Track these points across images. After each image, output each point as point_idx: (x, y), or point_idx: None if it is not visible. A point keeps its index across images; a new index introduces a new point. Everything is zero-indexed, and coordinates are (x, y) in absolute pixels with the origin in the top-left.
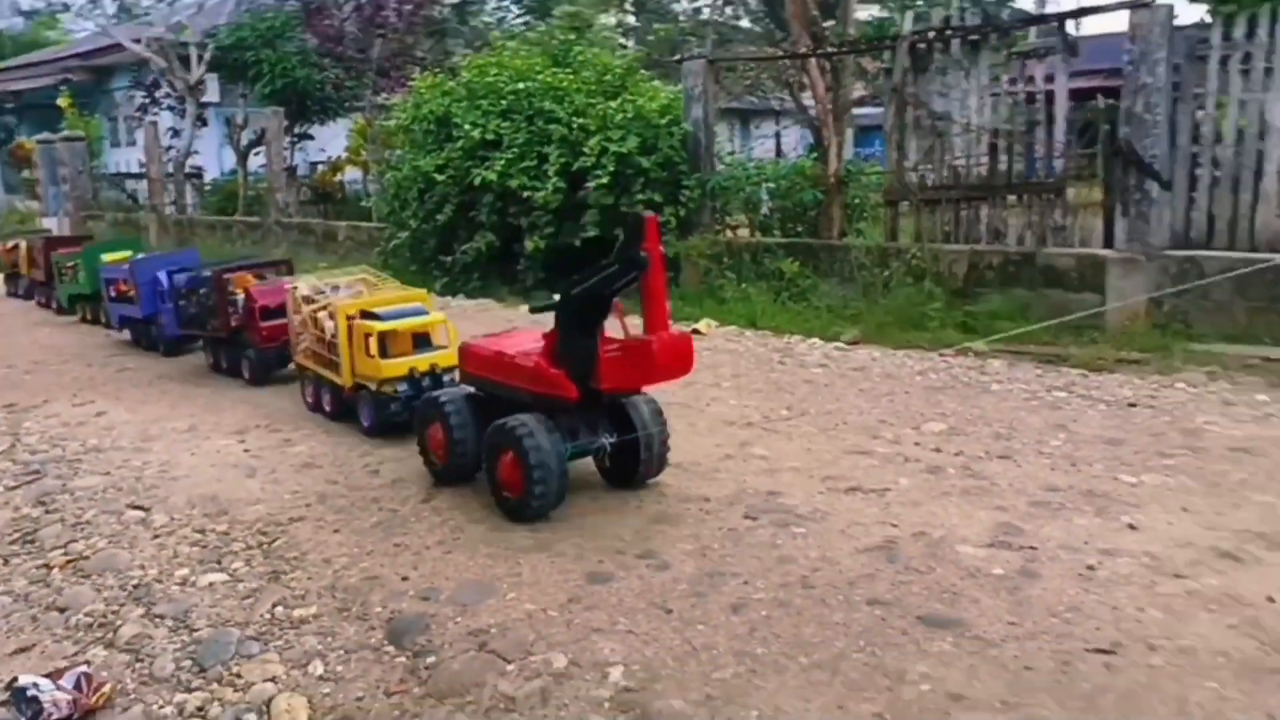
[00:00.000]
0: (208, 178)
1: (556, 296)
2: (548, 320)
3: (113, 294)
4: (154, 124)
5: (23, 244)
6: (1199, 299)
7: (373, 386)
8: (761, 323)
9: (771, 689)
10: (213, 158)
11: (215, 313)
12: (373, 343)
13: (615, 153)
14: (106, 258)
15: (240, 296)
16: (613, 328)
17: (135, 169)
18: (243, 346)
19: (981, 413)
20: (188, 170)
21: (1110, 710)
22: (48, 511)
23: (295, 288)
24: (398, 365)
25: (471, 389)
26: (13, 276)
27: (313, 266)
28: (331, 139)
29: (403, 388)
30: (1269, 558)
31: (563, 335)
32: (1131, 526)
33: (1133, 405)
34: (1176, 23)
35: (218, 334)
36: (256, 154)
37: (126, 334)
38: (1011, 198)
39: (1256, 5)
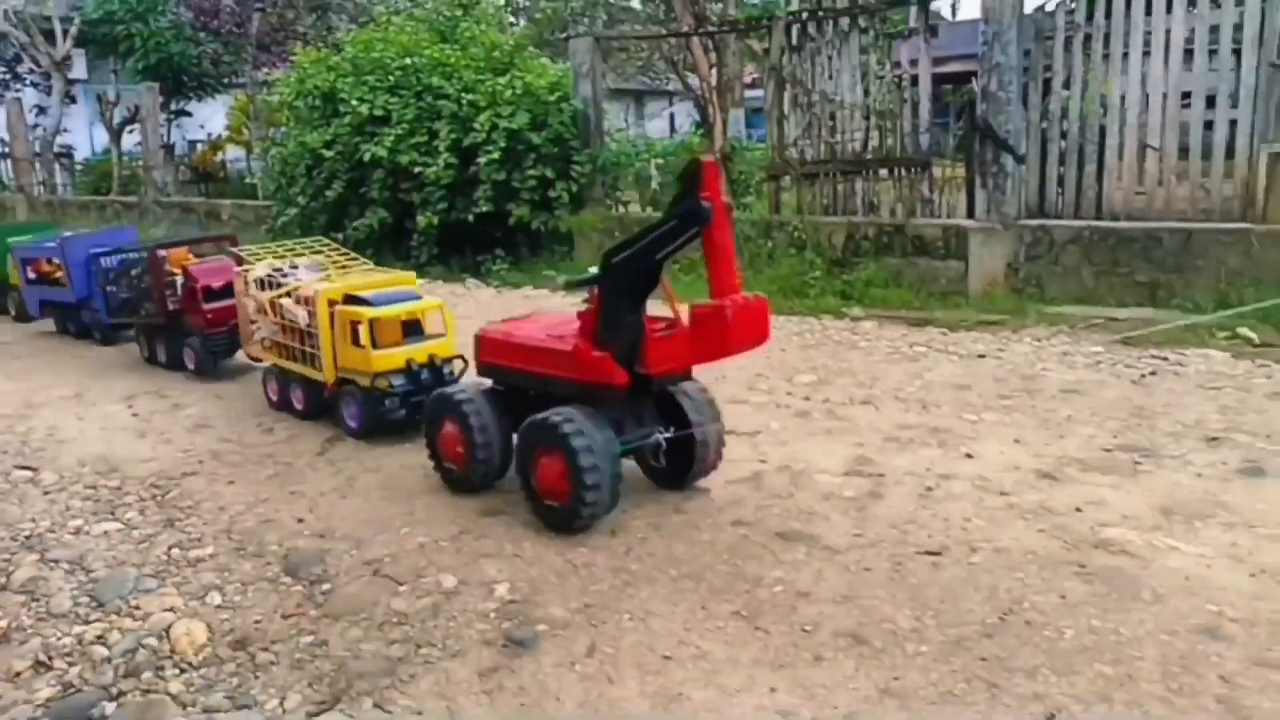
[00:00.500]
0: (78, 157)
1: (593, 270)
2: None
3: (31, 276)
4: (17, 100)
5: None
6: (1050, 264)
7: (363, 382)
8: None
9: (644, 597)
10: (83, 136)
11: (150, 296)
12: (364, 332)
13: (506, 129)
14: (14, 240)
15: (178, 277)
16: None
17: None
18: (184, 333)
19: (849, 366)
20: (57, 149)
21: (934, 598)
22: None
23: (246, 270)
24: (393, 357)
25: (489, 382)
26: None
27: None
28: (211, 116)
29: (399, 382)
30: (1082, 478)
31: (607, 311)
32: (968, 455)
33: (982, 357)
34: (1028, 5)
35: (154, 321)
36: (131, 132)
37: (49, 323)
38: (884, 172)
39: None
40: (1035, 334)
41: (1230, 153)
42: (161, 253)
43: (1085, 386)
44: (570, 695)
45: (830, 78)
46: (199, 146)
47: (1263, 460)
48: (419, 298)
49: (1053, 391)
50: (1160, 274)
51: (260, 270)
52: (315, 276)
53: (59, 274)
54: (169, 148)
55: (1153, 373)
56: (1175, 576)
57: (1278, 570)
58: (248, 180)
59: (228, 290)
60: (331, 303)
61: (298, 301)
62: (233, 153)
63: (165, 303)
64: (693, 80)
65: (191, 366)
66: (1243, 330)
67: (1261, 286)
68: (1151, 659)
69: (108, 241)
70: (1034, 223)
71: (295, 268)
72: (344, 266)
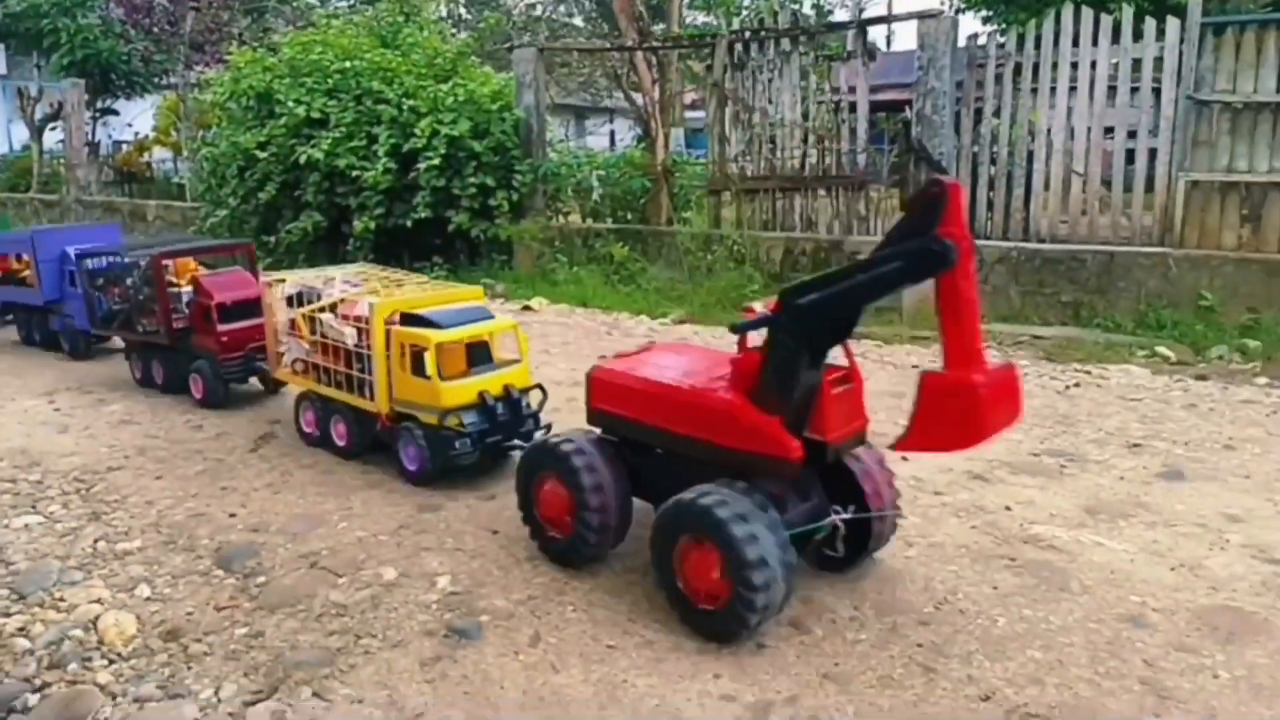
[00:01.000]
0: None
1: (758, 306)
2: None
3: None
4: None
5: None
6: (980, 284)
7: (425, 418)
8: (592, 303)
9: (587, 589)
10: (0, 133)
11: (149, 310)
12: (430, 360)
13: (447, 135)
14: None
15: (185, 290)
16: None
17: None
18: (191, 356)
19: None
20: None
21: (871, 589)
22: None
23: (276, 281)
24: (464, 389)
25: (598, 431)
26: None
27: None
28: (139, 115)
29: (470, 419)
30: (1011, 479)
31: (780, 364)
32: (904, 458)
33: (915, 367)
34: (962, 33)
35: (152, 339)
36: (53, 129)
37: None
38: (821, 191)
39: (1033, 16)
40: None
41: (1150, 180)
42: (165, 261)
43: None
44: (514, 683)
45: (770, 97)
46: (124, 147)
47: (1180, 465)
48: (490, 316)
49: None
50: (1083, 294)
51: (291, 285)
52: (357, 289)
53: (26, 272)
54: (94, 146)
55: (1076, 384)
56: (1101, 570)
57: (1196, 564)
58: (174, 181)
59: (246, 308)
60: (387, 321)
61: (344, 319)
62: (159, 154)
63: (170, 319)
64: (635, 97)
65: (198, 395)
66: (1160, 349)
67: (1179, 308)
68: (1080, 645)
69: (86, 239)
70: None
71: (330, 280)
72: (393, 283)
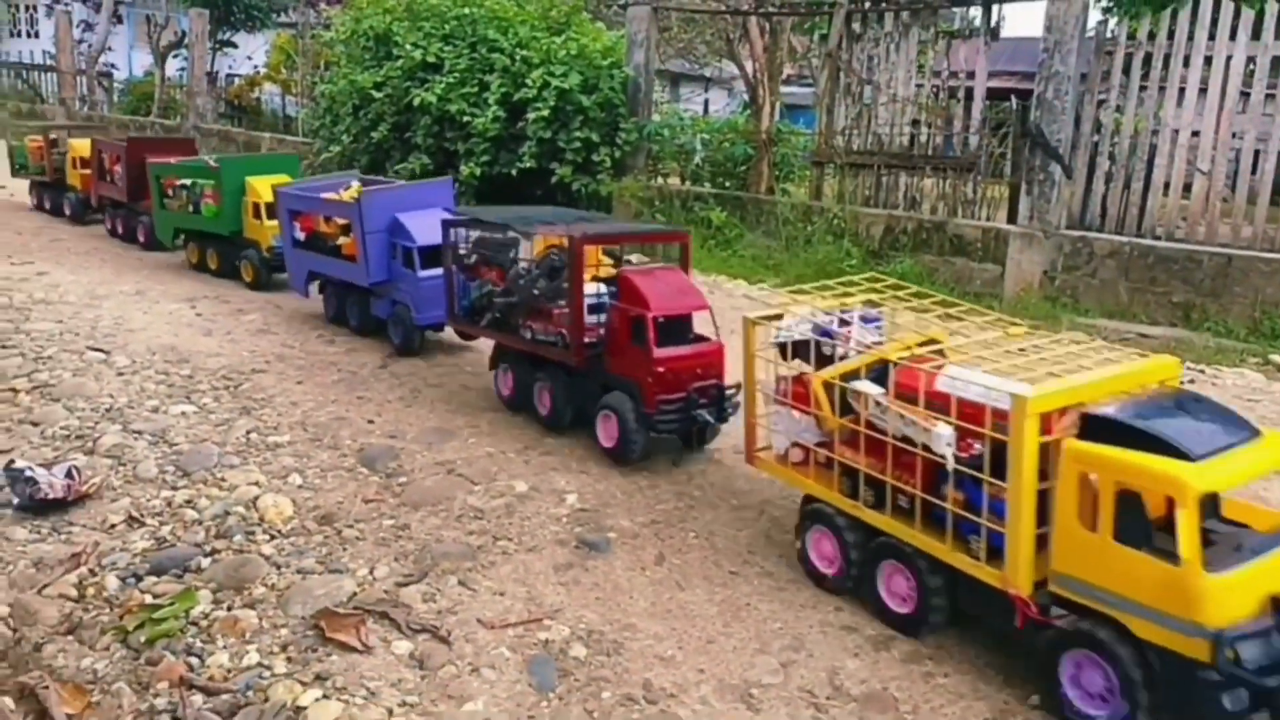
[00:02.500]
0: (118, 77)
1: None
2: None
3: (298, 236)
4: (66, 14)
5: (74, 141)
6: (1087, 276)
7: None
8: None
9: (707, 519)
10: (123, 58)
11: (545, 312)
12: (1183, 524)
13: (557, 88)
14: (256, 181)
15: (601, 290)
16: None
17: (38, 60)
18: (602, 385)
19: None
20: (99, 68)
21: None
22: (3, 347)
23: (760, 320)
24: (1244, 583)
25: None
26: (47, 186)
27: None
28: (256, 50)
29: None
30: None
31: None
32: None
33: (1022, 350)
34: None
35: (542, 351)
36: (175, 56)
37: (306, 297)
38: (928, 170)
39: (1157, 10)
40: (1074, 338)
41: (1278, 184)
42: (586, 242)
43: None
44: (643, 595)
45: (885, 72)
46: (236, 80)
47: None
48: (1251, 428)
49: None
50: (1195, 296)
51: (791, 319)
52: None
53: (341, 240)
54: (213, 76)
55: (1191, 381)
56: None
57: None
58: (280, 117)
59: (683, 327)
60: (1048, 423)
61: (918, 401)
62: (269, 91)
63: (580, 330)
64: (745, 63)
65: (608, 442)
66: (1275, 357)
67: None
68: None
69: (416, 201)
70: (1074, 233)
71: (846, 322)
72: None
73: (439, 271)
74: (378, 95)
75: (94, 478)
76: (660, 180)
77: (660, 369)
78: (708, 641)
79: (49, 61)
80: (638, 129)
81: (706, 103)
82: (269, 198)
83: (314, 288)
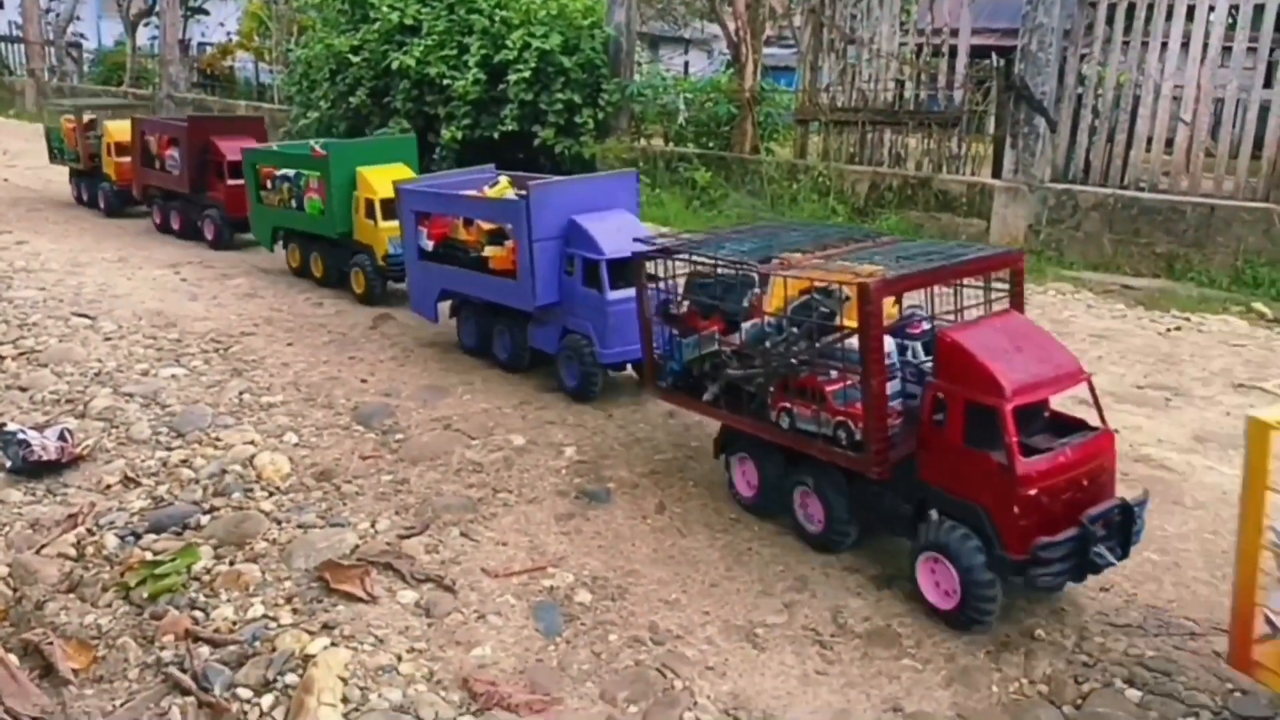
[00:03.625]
0: (88, 47)
1: None
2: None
3: (425, 244)
4: None
5: (111, 124)
6: (1072, 229)
7: None
8: (674, 224)
9: (706, 469)
10: (91, 28)
11: (799, 384)
12: None
13: (538, 49)
14: (369, 172)
15: (892, 351)
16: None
17: (4, 31)
18: (922, 497)
19: None
20: (68, 38)
21: None
22: None
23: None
24: None
25: None
26: (84, 175)
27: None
28: (229, 17)
29: None
30: (1117, 408)
31: None
32: None
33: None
34: None
35: (814, 449)
36: (146, 25)
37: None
38: (912, 126)
39: None
40: (1059, 288)
41: (1260, 132)
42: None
43: (1114, 334)
44: (644, 542)
45: (868, 27)
46: (208, 49)
47: None
48: None
49: (1083, 335)
50: (1179, 247)
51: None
52: None
53: (484, 248)
54: (185, 44)
55: (1178, 328)
56: (1213, 490)
57: None
58: (254, 86)
59: (1040, 412)
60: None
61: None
62: (241, 59)
63: (879, 426)
64: (726, 21)
65: (937, 598)
66: (1257, 305)
67: (1278, 266)
68: (1195, 551)
69: (595, 198)
70: (1059, 186)
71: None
72: None
73: (631, 294)
74: (355, 59)
75: (86, 440)
76: (644, 141)
77: (1030, 489)
78: (711, 585)
79: (15, 32)
80: (620, 89)
81: (686, 64)
82: (385, 193)
83: (443, 305)
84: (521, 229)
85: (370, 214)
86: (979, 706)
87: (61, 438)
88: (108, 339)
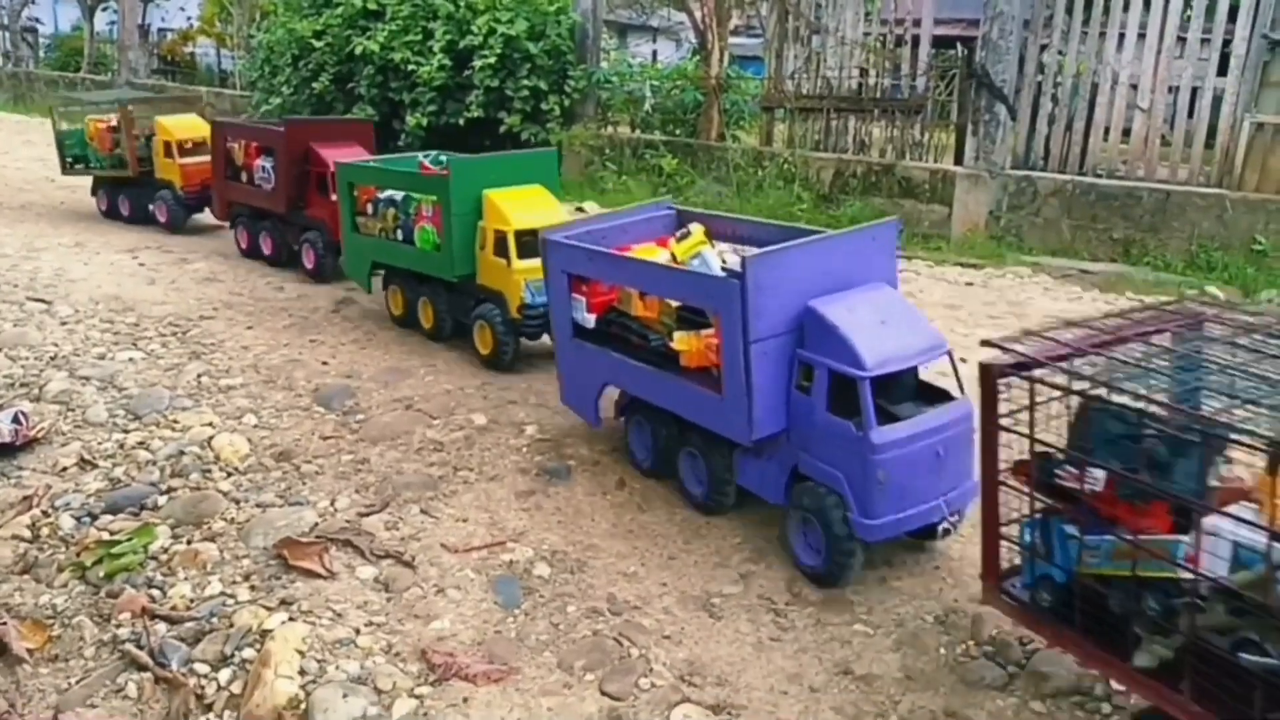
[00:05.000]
0: (44, 32)
1: None
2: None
3: (583, 316)
4: None
5: (165, 120)
6: (1031, 215)
7: None
8: None
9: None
10: (48, 12)
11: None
12: None
13: (504, 35)
14: (500, 197)
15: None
16: None
17: None
18: None
19: None
20: (24, 23)
21: None
22: None
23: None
24: None
25: None
26: (123, 184)
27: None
28: (190, 0)
29: None
30: None
31: None
32: (963, 360)
33: (970, 284)
34: None
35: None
36: (104, 9)
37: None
38: (876, 113)
39: None
40: (1017, 272)
41: (1214, 120)
42: None
43: (1070, 314)
44: (604, 517)
45: (833, 15)
46: (169, 35)
47: None
48: None
49: (1039, 316)
50: (1135, 232)
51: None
52: None
53: (673, 335)
54: (144, 28)
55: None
56: None
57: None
58: (216, 72)
59: None
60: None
61: None
62: (202, 45)
63: None
64: (693, 7)
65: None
66: (1210, 288)
67: (1231, 250)
68: None
69: (847, 268)
70: (1019, 173)
71: None
72: None
73: (911, 429)
74: (318, 44)
75: (42, 423)
76: (610, 129)
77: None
78: (669, 558)
79: None
80: (587, 76)
81: (654, 53)
82: (522, 223)
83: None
84: (734, 321)
85: (501, 251)
86: (927, 668)
87: (16, 420)
88: (64, 323)
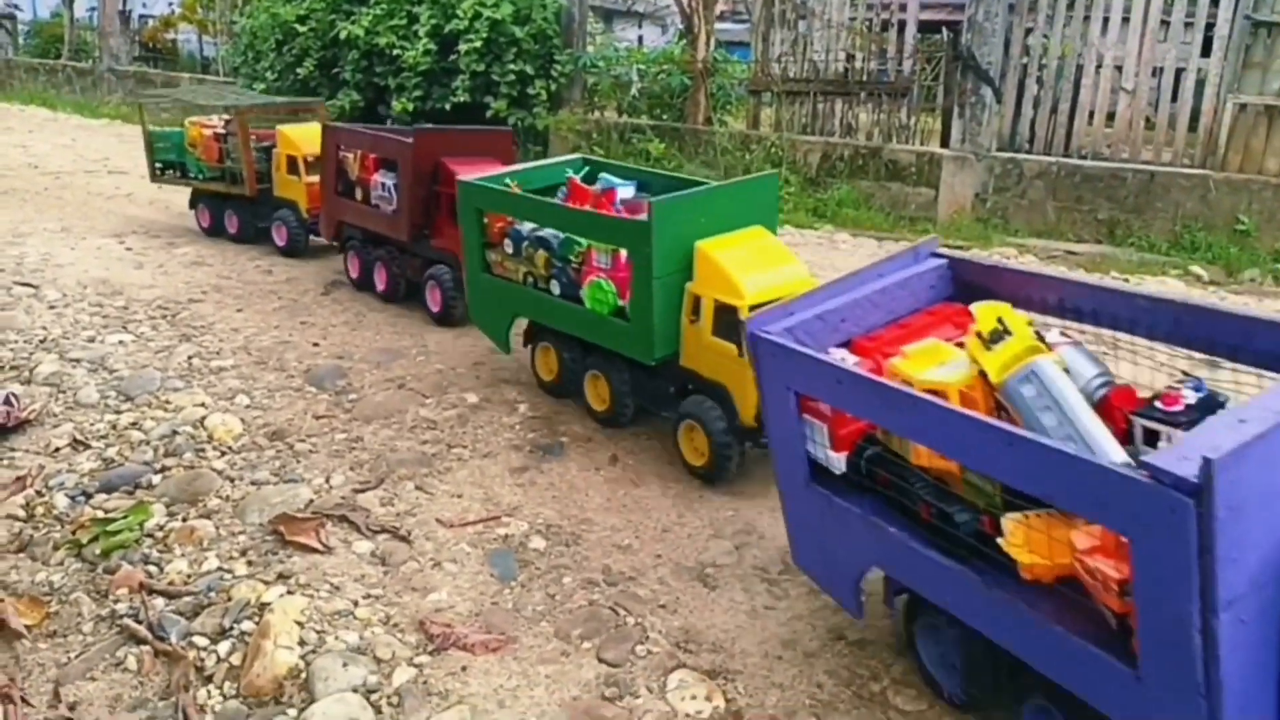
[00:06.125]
0: (22, 19)
1: None
2: None
3: (832, 459)
4: None
5: (288, 129)
6: (1017, 197)
7: None
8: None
9: (658, 424)
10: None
11: None
12: None
13: (489, 19)
14: (718, 249)
15: None
16: None
17: None
18: None
19: (833, 263)
20: (2, 9)
21: None
22: None
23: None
24: None
25: None
26: (232, 201)
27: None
28: None
29: None
30: None
31: None
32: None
33: None
34: None
35: None
36: None
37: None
38: (863, 96)
39: None
40: (1003, 253)
41: (1197, 102)
42: None
43: None
44: (598, 492)
45: None
46: (149, 22)
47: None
48: None
49: None
50: (1120, 213)
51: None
52: None
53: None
54: (125, 15)
55: None
56: None
57: None
58: (198, 60)
59: None
60: None
61: None
62: (184, 32)
63: None
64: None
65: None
66: (1194, 268)
67: (1214, 230)
68: None
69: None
70: (1005, 155)
71: None
72: None
73: None
74: (301, 29)
75: (33, 404)
76: (597, 113)
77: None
78: (663, 530)
79: None
80: (573, 60)
81: (640, 38)
82: (758, 294)
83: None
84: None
85: (727, 331)
86: None
87: (7, 401)
88: (52, 307)
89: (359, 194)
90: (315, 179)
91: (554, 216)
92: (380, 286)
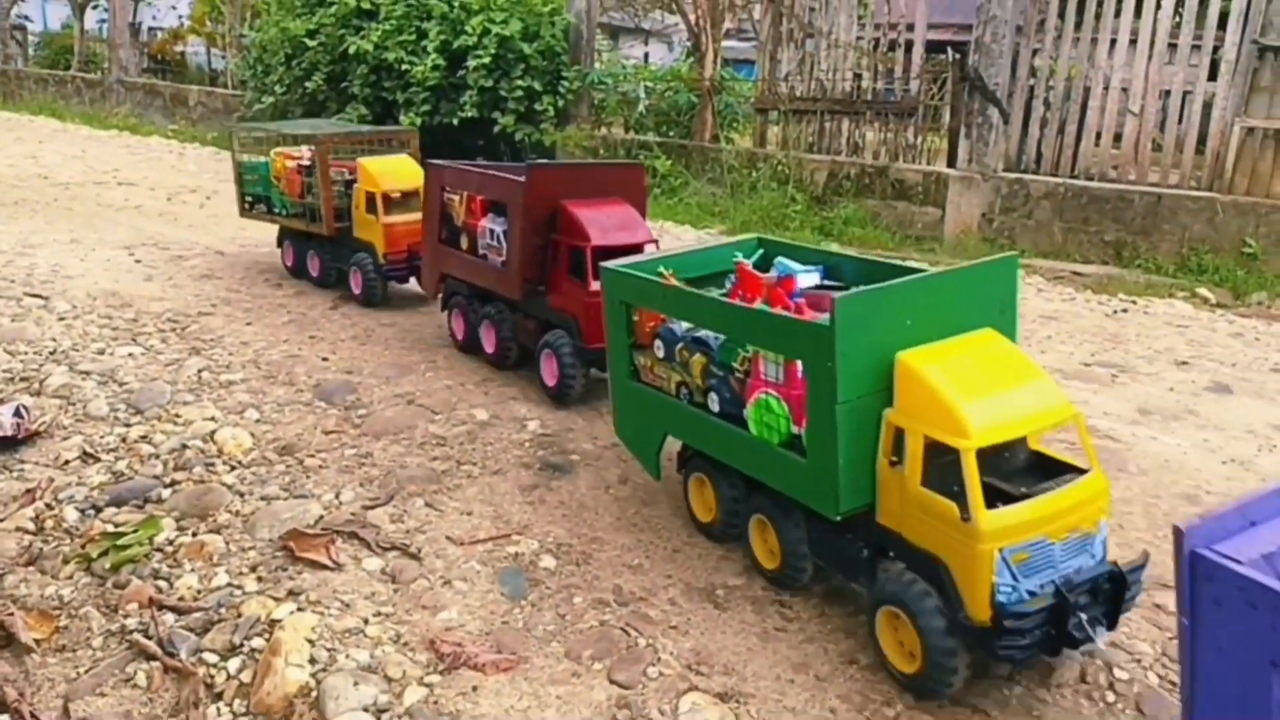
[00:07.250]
0: (33, 30)
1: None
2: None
3: None
4: None
5: (369, 162)
6: (1024, 218)
7: None
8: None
9: (669, 442)
10: (37, 9)
11: None
12: None
13: (498, 35)
14: (925, 363)
15: None
16: None
17: None
18: None
19: None
20: (13, 21)
21: None
22: None
23: None
24: None
25: None
26: (315, 241)
27: (159, 130)
28: None
29: None
30: (1064, 384)
31: None
32: None
33: None
34: None
35: None
36: (94, 7)
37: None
38: (870, 116)
39: None
40: None
41: (1204, 124)
42: None
43: (1062, 315)
44: (608, 511)
45: (826, 18)
46: (159, 34)
47: (1228, 382)
48: None
49: (1033, 316)
50: (1127, 235)
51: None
52: None
53: None
54: (135, 27)
55: (1124, 310)
56: (1156, 458)
57: (1246, 461)
58: (207, 71)
59: None
60: None
61: None
62: (193, 44)
63: None
64: (686, 9)
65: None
66: (1201, 290)
67: (1221, 253)
68: (1138, 513)
69: None
70: (1011, 176)
71: None
72: None
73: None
74: (311, 43)
75: (43, 417)
76: (604, 130)
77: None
78: (674, 551)
79: None
80: (580, 77)
81: (646, 56)
82: (994, 432)
83: None
84: None
85: (939, 482)
86: None
87: (17, 414)
88: (62, 319)
89: (464, 242)
90: (394, 219)
91: (704, 313)
92: (488, 349)
